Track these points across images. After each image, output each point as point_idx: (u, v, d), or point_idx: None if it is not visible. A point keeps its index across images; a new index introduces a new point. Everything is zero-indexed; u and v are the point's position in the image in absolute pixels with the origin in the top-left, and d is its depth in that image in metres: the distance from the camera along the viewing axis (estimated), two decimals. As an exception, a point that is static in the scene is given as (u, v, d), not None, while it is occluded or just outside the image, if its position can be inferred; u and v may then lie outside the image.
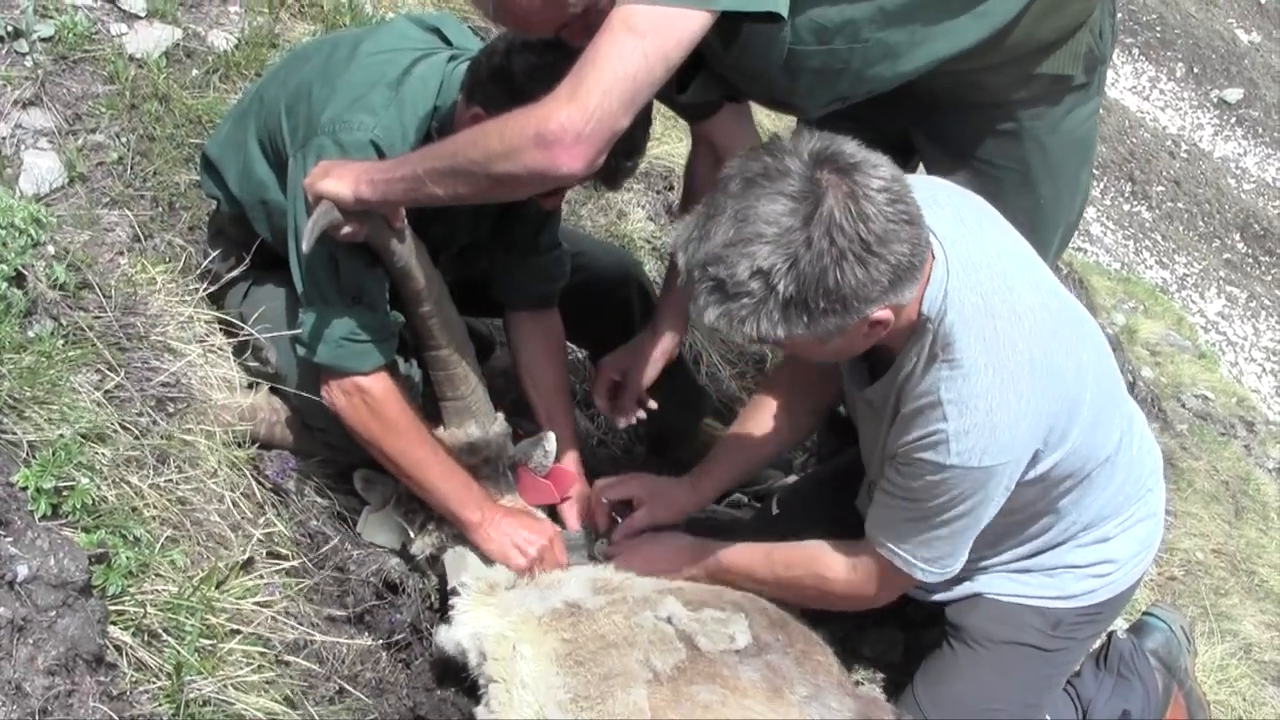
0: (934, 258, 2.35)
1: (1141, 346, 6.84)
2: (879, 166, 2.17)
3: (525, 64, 2.57)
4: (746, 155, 2.21)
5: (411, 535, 2.92)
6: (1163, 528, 2.93)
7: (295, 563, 2.73)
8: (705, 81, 2.58)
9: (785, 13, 2.27)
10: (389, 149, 2.63)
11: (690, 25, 2.22)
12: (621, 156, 2.46)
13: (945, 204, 2.44)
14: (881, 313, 2.22)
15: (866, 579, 2.65)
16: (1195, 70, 11.64)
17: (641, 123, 2.40)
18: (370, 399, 2.72)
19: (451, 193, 2.40)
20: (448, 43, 2.91)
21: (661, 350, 3.12)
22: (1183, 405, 6.30)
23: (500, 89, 2.59)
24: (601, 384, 3.19)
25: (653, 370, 3.12)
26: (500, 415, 2.98)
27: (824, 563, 2.71)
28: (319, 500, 2.97)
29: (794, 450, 3.88)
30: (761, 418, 3.03)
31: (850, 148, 2.17)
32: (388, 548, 2.96)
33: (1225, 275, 9.64)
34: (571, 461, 3.14)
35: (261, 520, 2.73)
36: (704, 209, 2.21)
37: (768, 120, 4.77)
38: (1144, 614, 3.35)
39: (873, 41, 2.48)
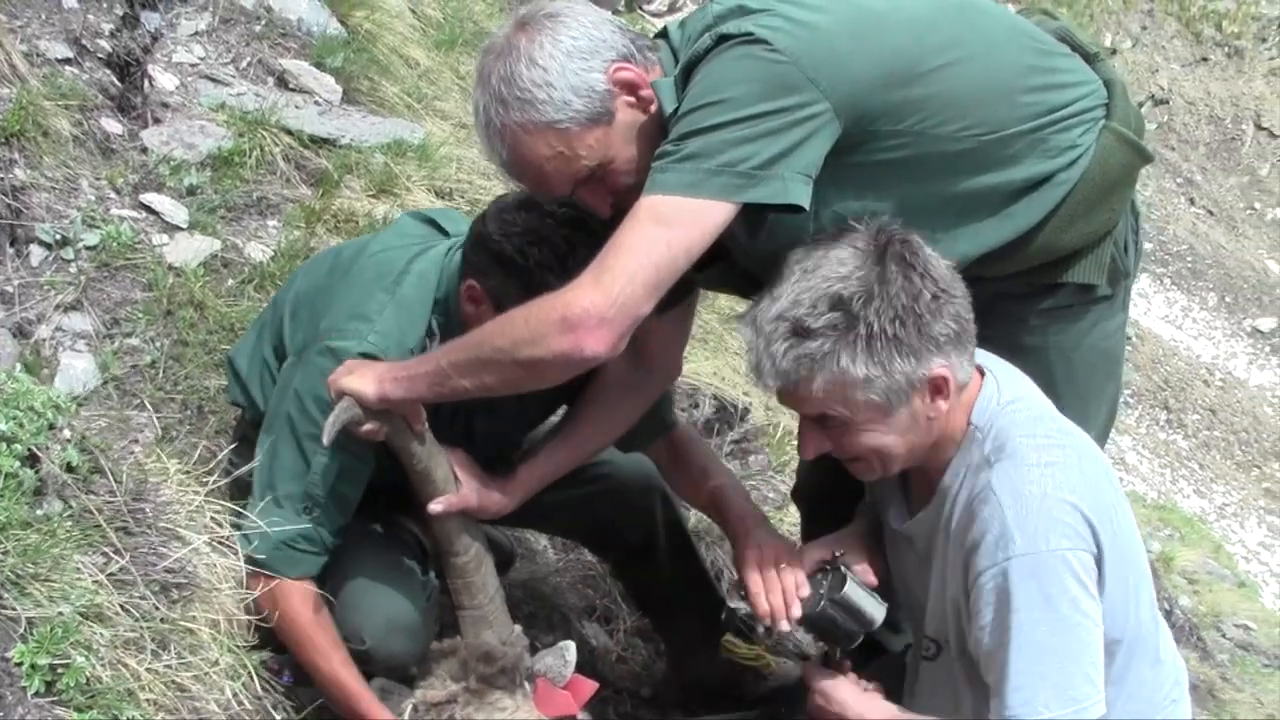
0: (984, 376, 2.42)
1: (1179, 574, 6.73)
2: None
3: (499, 225, 2.66)
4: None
5: (423, 747, 2.84)
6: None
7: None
8: (724, 272, 2.62)
9: (806, 204, 2.32)
10: (384, 356, 2.66)
11: (714, 216, 2.29)
12: None
13: (991, 354, 2.52)
14: (942, 369, 2.27)
15: None
16: (1227, 300, 11.71)
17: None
18: (288, 606, 2.72)
19: (478, 383, 2.44)
20: (445, 233, 2.96)
21: None
22: (1223, 635, 6.16)
23: (480, 254, 2.69)
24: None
25: None
26: (518, 627, 2.92)
27: None
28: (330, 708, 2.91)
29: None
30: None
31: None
32: (399, 759, 2.88)
33: (1265, 505, 9.50)
34: (740, 498, 2.99)
35: (261, 716, 2.67)
36: (766, 285, 2.33)
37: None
38: None
39: None
